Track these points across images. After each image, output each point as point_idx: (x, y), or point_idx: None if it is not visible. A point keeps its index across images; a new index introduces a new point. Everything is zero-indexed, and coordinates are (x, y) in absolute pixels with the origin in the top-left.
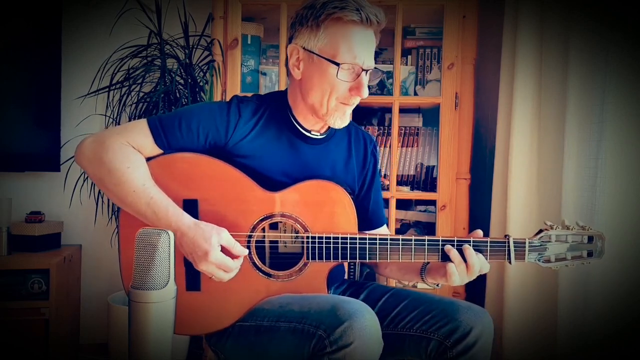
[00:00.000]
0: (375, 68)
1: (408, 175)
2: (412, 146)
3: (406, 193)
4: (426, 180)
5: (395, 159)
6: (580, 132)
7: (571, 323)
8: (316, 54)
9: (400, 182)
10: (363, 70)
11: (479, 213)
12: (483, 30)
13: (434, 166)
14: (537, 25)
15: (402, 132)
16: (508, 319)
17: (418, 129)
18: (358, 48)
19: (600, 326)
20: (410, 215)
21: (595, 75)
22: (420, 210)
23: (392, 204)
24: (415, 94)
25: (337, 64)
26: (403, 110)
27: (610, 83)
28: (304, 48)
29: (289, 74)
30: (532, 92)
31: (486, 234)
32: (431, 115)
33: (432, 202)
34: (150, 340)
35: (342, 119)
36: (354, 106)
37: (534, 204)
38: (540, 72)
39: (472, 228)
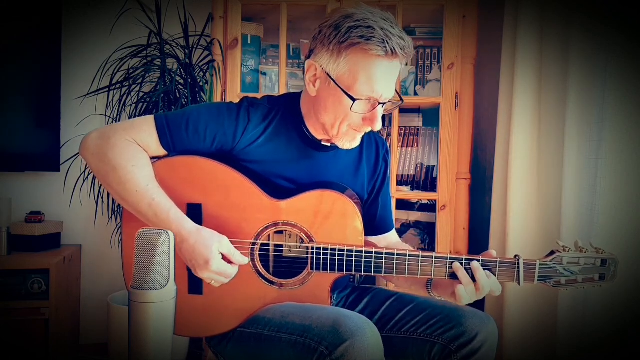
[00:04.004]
0: (393, 98)
1: (408, 175)
2: (412, 146)
3: (406, 193)
4: (426, 180)
5: (395, 159)
6: (580, 132)
7: (571, 326)
8: (333, 80)
9: (401, 182)
10: (380, 103)
11: (479, 213)
12: (483, 30)
13: (434, 166)
14: (537, 25)
15: (402, 132)
16: (508, 322)
17: (418, 129)
18: (378, 81)
19: (600, 330)
20: (411, 216)
21: (595, 75)
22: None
23: (392, 204)
24: (416, 93)
25: (353, 99)
26: (403, 110)
27: (610, 83)
28: (322, 68)
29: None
30: (532, 92)
31: (486, 234)
32: (431, 115)
33: (432, 203)
34: (150, 341)
35: (351, 143)
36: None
37: (534, 204)
38: (540, 72)
39: (472, 228)
